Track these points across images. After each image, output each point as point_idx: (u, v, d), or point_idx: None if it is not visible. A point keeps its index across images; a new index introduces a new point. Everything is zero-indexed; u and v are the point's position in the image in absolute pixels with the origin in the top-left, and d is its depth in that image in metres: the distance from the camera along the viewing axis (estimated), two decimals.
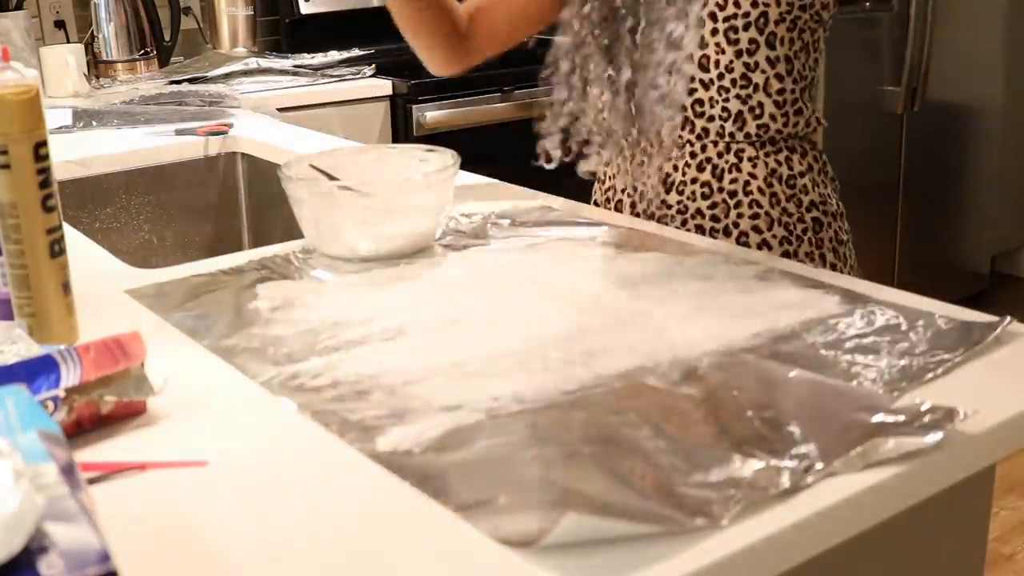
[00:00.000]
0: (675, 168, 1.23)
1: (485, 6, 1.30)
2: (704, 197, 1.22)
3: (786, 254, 1.21)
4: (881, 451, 0.67)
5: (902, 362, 0.80)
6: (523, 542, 0.59)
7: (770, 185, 1.21)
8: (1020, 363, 0.81)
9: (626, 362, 0.82)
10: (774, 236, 1.21)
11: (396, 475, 0.67)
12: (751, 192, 1.21)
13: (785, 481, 0.64)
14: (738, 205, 1.21)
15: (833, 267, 1.25)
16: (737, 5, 1.17)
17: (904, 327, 0.86)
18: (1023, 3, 3.26)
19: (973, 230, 3.33)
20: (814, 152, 1.26)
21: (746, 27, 1.17)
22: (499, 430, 0.72)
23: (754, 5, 1.17)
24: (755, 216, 1.21)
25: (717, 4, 1.17)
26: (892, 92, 2.96)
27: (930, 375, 0.78)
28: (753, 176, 1.21)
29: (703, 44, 1.18)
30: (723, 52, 1.18)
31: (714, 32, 1.18)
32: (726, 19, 1.17)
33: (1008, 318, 0.86)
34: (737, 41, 1.18)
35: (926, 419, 0.70)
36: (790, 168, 1.23)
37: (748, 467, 0.66)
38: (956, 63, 3.09)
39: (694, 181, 1.22)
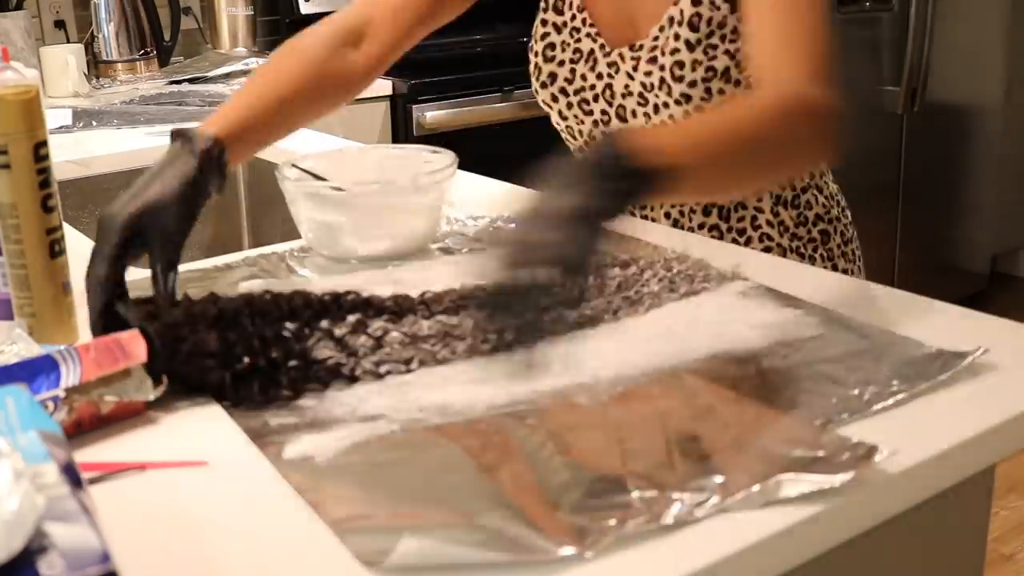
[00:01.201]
0: (681, 214, 1.21)
1: (375, 16, 1.14)
2: (715, 240, 1.18)
3: None
4: (783, 491, 0.63)
5: (855, 392, 0.76)
6: (372, 561, 0.58)
7: (777, 215, 1.19)
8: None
9: (567, 378, 0.79)
10: None
11: (291, 485, 0.67)
12: (760, 227, 1.19)
13: (671, 514, 0.61)
14: (748, 242, 1.19)
15: (845, 272, 1.23)
16: (692, 68, 1.10)
17: (872, 354, 0.82)
18: (1023, 3, 3.26)
19: (973, 230, 3.33)
20: None
21: (706, 79, 1.11)
22: (407, 444, 0.71)
23: (708, 69, 1.10)
24: (767, 249, 1.19)
25: (672, 70, 1.11)
26: (892, 92, 2.96)
27: (879, 406, 0.74)
28: (760, 210, 1.19)
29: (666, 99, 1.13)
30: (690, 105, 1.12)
31: (675, 94, 1.12)
32: (689, 82, 1.11)
33: (981, 349, 0.80)
34: (706, 97, 1.11)
35: (845, 456, 0.66)
36: (793, 188, 1.20)
37: (640, 496, 0.63)
38: (956, 63, 3.09)
39: (702, 227, 1.19)
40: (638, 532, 0.60)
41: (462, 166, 1.18)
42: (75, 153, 1.79)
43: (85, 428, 0.75)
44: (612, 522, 0.61)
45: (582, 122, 1.21)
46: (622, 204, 0.73)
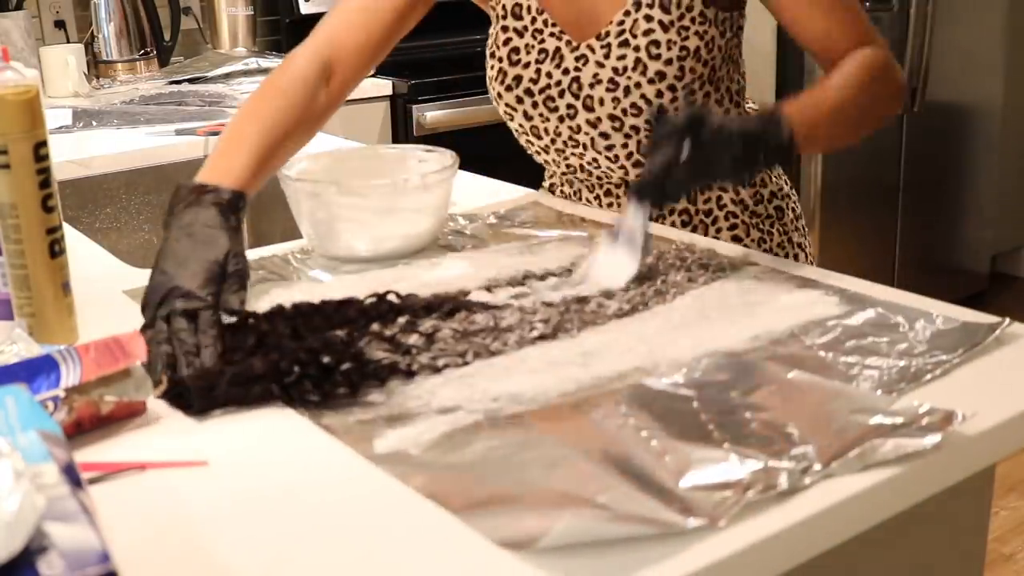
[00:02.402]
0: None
1: (338, 46, 1.15)
2: (684, 224, 1.24)
3: (765, 252, 1.22)
4: (879, 453, 0.67)
5: (901, 363, 0.80)
6: (521, 544, 0.59)
7: (737, 193, 1.24)
8: (1019, 364, 0.81)
9: (624, 363, 0.82)
10: (752, 240, 1.24)
11: (395, 477, 0.67)
12: (725, 205, 1.24)
13: (783, 482, 0.64)
14: (715, 221, 1.24)
15: (799, 246, 1.29)
16: (668, 47, 1.14)
17: (903, 328, 0.86)
18: (1023, 3, 3.26)
19: (973, 230, 3.33)
20: None
21: (680, 58, 1.15)
22: (497, 432, 0.72)
23: (659, 76, 1.15)
24: (733, 227, 1.24)
25: (648, 49, 1.15)
26: None
27: (928, 376, 0.78)
28: (723, 190, 1.24)
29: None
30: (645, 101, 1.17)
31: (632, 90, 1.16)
32: (665, 60, 1.14)
33: (1007, 319, 0.85)
34: (664, 91, 1.16)
35: (924, 421, 0.70)
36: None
37: (745, 468, 0.66)
38: (956, 63, 3.09)
39: (672, 211, 1.24)
40: (759, 501, 0.62)
41: (461, 166, 1.18)
42: (75, 153, 1.79)
43: (85, 428, 0.75)
44: (729, 493, 0.63)
45: (547, 119, 1.23)
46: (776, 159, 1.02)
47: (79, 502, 0.55)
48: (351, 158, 1.26)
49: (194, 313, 0.83)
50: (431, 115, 2.50)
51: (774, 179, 1.28)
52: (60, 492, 0.55)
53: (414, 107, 2.49)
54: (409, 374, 0.81)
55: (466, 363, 0.83)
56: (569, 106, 1.21)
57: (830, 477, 0.65)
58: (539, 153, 1.30)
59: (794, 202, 1.31)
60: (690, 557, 0.59)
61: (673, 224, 1.24)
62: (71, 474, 0.58)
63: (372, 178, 1.15)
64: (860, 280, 0.98)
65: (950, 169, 3.21)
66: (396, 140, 2.51)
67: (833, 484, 0.65)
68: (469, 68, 2.58)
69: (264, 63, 2.59)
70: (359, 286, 1.00)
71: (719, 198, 1.24)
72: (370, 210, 1.09)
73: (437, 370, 0.82)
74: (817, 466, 0.66)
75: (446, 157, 1.17)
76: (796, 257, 1.28)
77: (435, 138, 2.42)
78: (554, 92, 1.21)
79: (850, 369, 0.79)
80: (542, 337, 0.87)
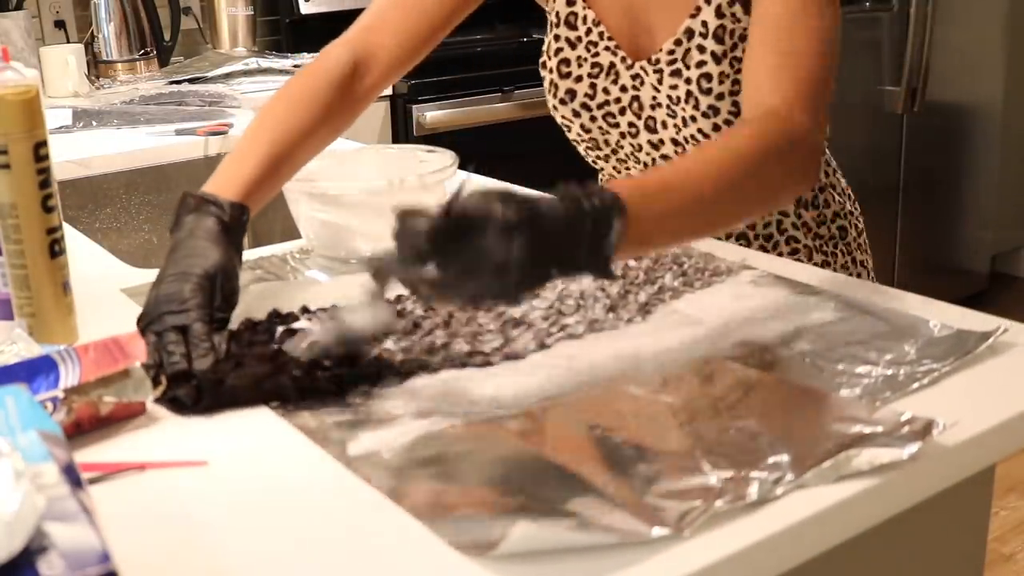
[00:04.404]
0: None
1: (374, 42, 1.10)
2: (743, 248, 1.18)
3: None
4: (854, 463, 0.66)
5: (889, 372, 0.79)
6: (480, 549, 0.58)
7: (799, 216, 1.19)
8: (1008, 374, 0.80)
9: (608, 368, 0.81)
10: (815, 264, 1.19)
11: (363, 480, 0.67)
12: (785, 230, 1.19)
13: (753, 492, 0.63)
14: (776, 246, 1.19)
15: (863, 264, 1.25)
16: (720, 81, 1.09)
17: (896, 335, 0.85)
18: (1023, 3, 3.26)
19: (973, 230, 3.33)
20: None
21: (733, 92, 1.09)
22: (471, 436, 0.72)
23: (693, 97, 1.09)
24: (794, 252, 1.19)
25: (700, 82, 1.09)
26: (892, 92, 2.96)
27: (916, 385, 0.77)
28: (784, 214, 1.19)
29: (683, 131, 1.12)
30: (701, 131, 1.11)
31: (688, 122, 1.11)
32: (717, 95, 1.09)
33: (1002, 327, 0.84)
34: (714, 110, 1.10)
35: (904, 430, 0.68)
36: (812, 189, 1.20)
37: (717, 477, 0.65)
38: (956, 63, 3.09)
39: (728, 236, 1.18)
40: (726, 511, 0.62)
41: (462, 166, 1.18)
42: (75, 153, 1.79)
43: (84, 429, 0.75)
44: (698, 503, 0.62)
45: (607, 133, 1.19)
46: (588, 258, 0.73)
47: (79, 502, 0.55)
48: (351, 158, 1.26)
49: (184, 328, 0.82)
50: (431, 115, 2.50)
51: (837, 198, 1.22)
52: (60, 492, 0.55)
53: (414, 107, 2.49)
54: (403, 375, 0.81)
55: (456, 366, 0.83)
56: (631, 124, 1.16)
57: (803, 488, 0.64)
58: (597, 161, 1.25)
59: (857, 218, 1.25)
60: (651, 567, 0.58)
61: None
62: (71, 474, 0.58)
63: (372, 178, 1.15)
64: (863, 282, 0.98)
65: (950, 169, 3.21)
66: (396, 140, 2.51)
67: (805, 495, 0.64)
68: (469, 68, 2.58)
69: (264, 63, 2.59)
70: (356, 286, 1.00)
71: (779, 222, 1.18)
72: (369, 210, 1.09)
73: (432, 371, 0.82)
74: (790, 476, 0.65)
75: (446, 157, 1.17)
76: (859, 275, 1.23)
77: (435, 138, 2.42)
78: (614, 108, 1.16)
79: (837, 377, 0.78)
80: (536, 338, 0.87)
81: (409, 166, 1.20)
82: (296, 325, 0.86)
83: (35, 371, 0.74)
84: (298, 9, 2.74)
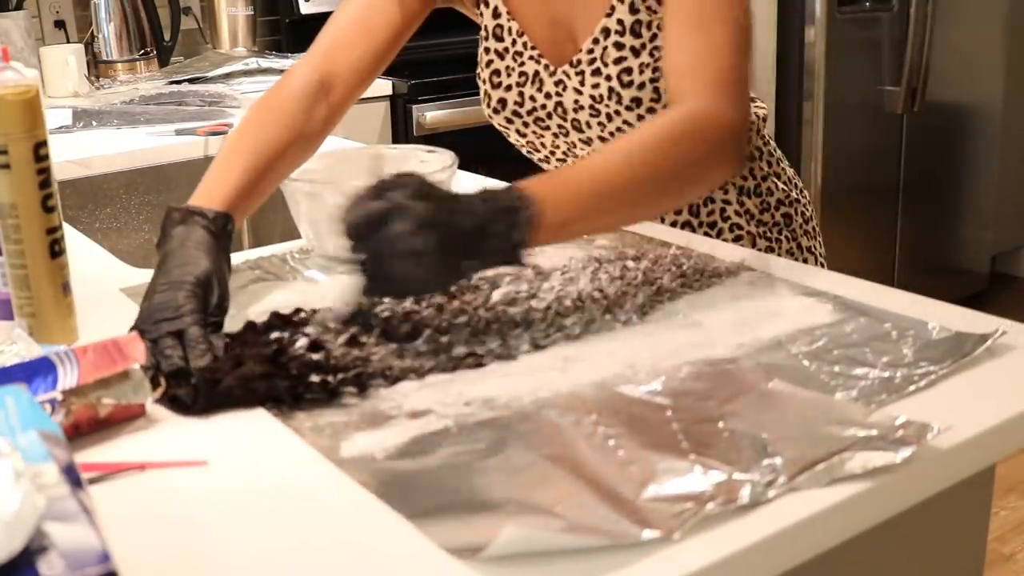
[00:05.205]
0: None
1: (337, 59, 1.13)
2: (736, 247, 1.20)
3: None
4: (847, 467, 0.65)
5: (885, 374, 0.78)
6: (469, 552, 0.58)
7: (742, 204, 1.23)
8: (1005, 377, 0.79)
9: (604, 369, 0.81)
10: (758, 250, 1.22)
11: (356, 481, 0.67)
12: (728, 217, 1.23)
13: (745, 495, 0.63)
14: (720, 233, 1.23)
15: (809, 250, 1.28)
16: (640, 72, 1.11)
17: (894, 337, 0.85)
18: (1023, 3, 3.26)
19: (973, 230, 3.33)
20: (761, 142, 1.26)
21: (654, 80, 1.11)
22: (464, 437, 0.72)
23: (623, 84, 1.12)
24: (738, 239, 1.23)
25: (620, 77, 1.12)
26: (892, 92, 2.96)
27: (912, 388, 0.76)
28: (727, 202, 1.22)
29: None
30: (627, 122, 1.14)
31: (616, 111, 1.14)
32: (638, 85, 1.11)
33: (1000, 329, 0.83)
34: (637, 102, 1.13)
35: (898, 434, 0.68)
36: (754, 176, 1.24)
37: (709, 480, 0.64)
38: (956, 63, 3.09)
39: (674, 224, 1.22)
40: (717, 513, 0.61)
41: (461, 166, 1.18)
42: (75, 153, 1.79)
43: (83, 431, 0.75)
44: (689, 505, 0.62)
45: (541, 136, 1.23)
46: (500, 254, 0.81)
47: (79, 502, 0.55)
48: (351, 158, 1.26)
49: (180, 333, 0.82)
50: (431, 115, 2.50)
51: (782, 187, 1.26)
52: (60, 492, 0.55)
53: (414, 107, 2.49)
54: (393, 379, 0.81)
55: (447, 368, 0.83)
56: (560, 126, 1.20)
57: (795, 491, 0.64)
58: (541, 162, 1.29)
59: (803, 206, 1.28)
60: (641, 570, 0.57)
61: None
62: (71, 474, 0.58)
63: (372, 178, 1.15)
64: (863, 282, 0.97)
65: (950, 169, 3.21)
66: (396, 140, 2.51)
67: (798, 498, 0.64)
68: (469, 68, 2.57)
69: (264, 63, 2.59)
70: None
71: (723, 209, 1.22)
72: None
73: (421, 374, 0.82)
74: (782, 479, 0.64)
75: (446, 157, 1.16)
76: (806, 261, 1.27)
77: (435, 138, 2.42)
78: (542, 114, 1.20)
79: (833, 379, 0.78)
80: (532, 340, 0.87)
81: (409, 166, 1.20)
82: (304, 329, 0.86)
83: (33, 373, 0.74)
84: (298, 9, 2.74)
